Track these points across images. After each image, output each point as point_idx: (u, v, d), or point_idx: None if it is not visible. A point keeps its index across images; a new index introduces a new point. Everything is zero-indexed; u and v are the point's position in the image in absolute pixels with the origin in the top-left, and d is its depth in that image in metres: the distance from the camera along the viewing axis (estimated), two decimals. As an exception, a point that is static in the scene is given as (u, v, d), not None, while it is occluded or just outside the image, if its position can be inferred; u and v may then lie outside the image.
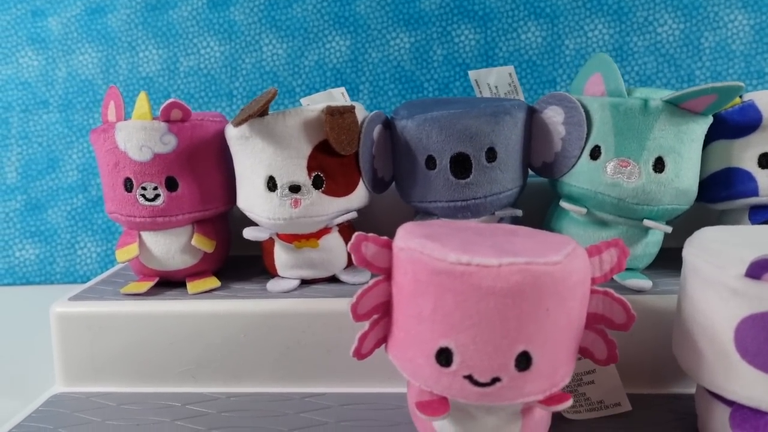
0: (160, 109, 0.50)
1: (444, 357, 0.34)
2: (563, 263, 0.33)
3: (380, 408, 0.46)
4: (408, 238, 0.36)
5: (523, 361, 0.33)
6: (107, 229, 0.90)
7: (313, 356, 0.50)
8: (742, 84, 0.44)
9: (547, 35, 0.84)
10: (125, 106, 0.52)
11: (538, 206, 0.57)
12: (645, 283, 0.48)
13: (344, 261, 0.54)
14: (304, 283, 0.54)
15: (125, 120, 0.51)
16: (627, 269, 0.50)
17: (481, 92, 0.59)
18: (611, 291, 0.37)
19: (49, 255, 0.90)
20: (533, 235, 0.39)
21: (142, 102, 0.51)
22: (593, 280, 0.37)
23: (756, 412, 0.35)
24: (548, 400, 0.35)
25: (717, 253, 0.36)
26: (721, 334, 0.35)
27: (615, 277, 0.49)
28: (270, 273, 0.56)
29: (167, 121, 0.51)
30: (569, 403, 0.35)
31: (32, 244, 0.91)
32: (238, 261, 0.62)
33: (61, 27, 0.87)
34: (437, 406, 0.35)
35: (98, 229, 0.90)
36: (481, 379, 0.34)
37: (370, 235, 0.37)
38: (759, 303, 0.33)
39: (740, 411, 0.35)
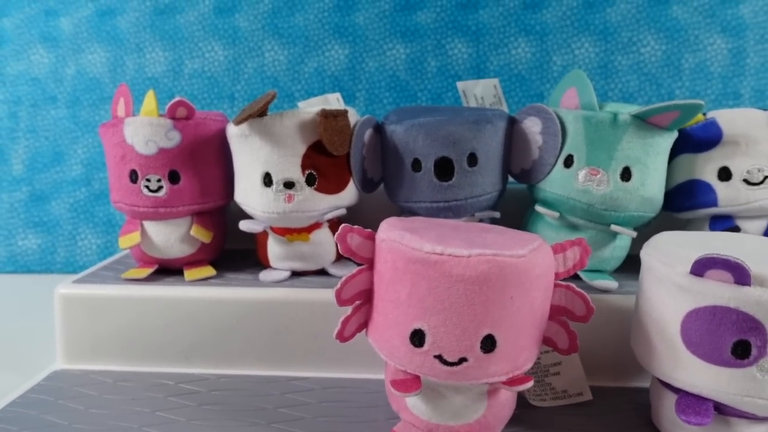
0: (167, 107, 0.54)
1: (417, 338, 0.38)
2: (528, 257, 0.37)
3: (360, 391, 0.50)
4: (389, 230, 0.40)
5: (488, 344, 0.37)
6: (108, 221, 0.93)
7: (299, 342, 0.53)
8: (702, 102, 0.48)
9: (536, 51, 0.88)
10: (134, 103, 0.56)
11: (517, 210, 0.61)
12: (611, 283, 0.52)
13: (333, 255, 0.57)
14: (295, 274, 0.57)
15: (133, 116, 0.55)
16: (595, 271, 0.54)
17: (468, 102, 0.63)
18: (573, 285, 0.41)
19: (50, 245, 0.94)
20: (505, 232, 0.42)
21: (150, 99, 0.55)
22: (557, 275, 0.41)
23: (699, 399, 0.38)
24: (511, 382, 0.38)
25: (668, 253, 0.40)
26: (670, 327, 0.39)
27: (584, 277, 0.53)
28: (263, 264, 0.59)
29: (173, 118, 0.54)
30: (530, 384, 0.38)
31: (35, 234, 0.94)
32: (234, 254, 0.65)
33: (72, 27, 0.91)
34: (410, 383, 0.39)
35: (99, 222, 0.93)
36: (450, 359, 0.37)
37: (356, 227, 0.40)
38: (702, 298, 0.37)
39: (685, 398, 0.39)
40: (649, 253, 0.41)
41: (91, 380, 0.52)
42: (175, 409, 0.48)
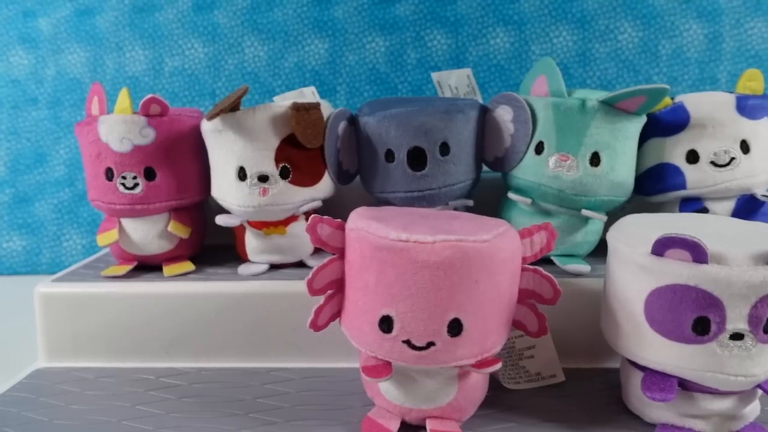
0: (140, 104, 0.54)
1: (386, 324, 0.38)
2: (492, 241, 0.38)
3: (338, 380, 0.50)
4: (357, 219, 0.41)
5: (455, 328, 0.38)
6: (92, 221, 0.94)
7: (278, 334, 0.53)
8: (667, 86, 0.48)
9: (514, 41, 0.89)
10: (109, 102, 0.56)
11: (494, 199, 0.61)
12: (584, 267, 0.52)
13: (311, 247, 0.58)
14: (273, 267, 0.58)
15: (108, 114, 0.55)
16: (569, 255, 0.55)
17: (443, 92, 0.63)
18: (540, 269, 0.41)
19: (35, 246, 0.94)
20: (473, 219, 0.43)
21: (123, 97, 0.55)
22: (524, 259, 0.41)
23: (663, 376, 0.39)
24: (480, 364, 0.39)
25: (630, 235, 0.40)
26: (634, 307, 0.39)
27: (557, 262, 0.54)
28: (242, 258, 0.60)
29: (147, 115, 0.55)
30: (498, 366, 0.39)
31: (19, 236, 0.94)
32: (214, 249, 0.66)
33: (50, 27, 0.91)
34: (381, 369, 0.39)
35: (83, 222, 0.94)
36: (418, 344, 0.38)
37: (325, 217, 0.41)
38: (663, 277, 0.37)
39: (650, 375, 0.40)
40: (613, 235, 0.42)
41: (72, 377, 0.53)
42: (155, 402, 0.48)
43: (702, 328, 0.37)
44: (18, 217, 0.94)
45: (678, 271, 0.36)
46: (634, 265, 0.39)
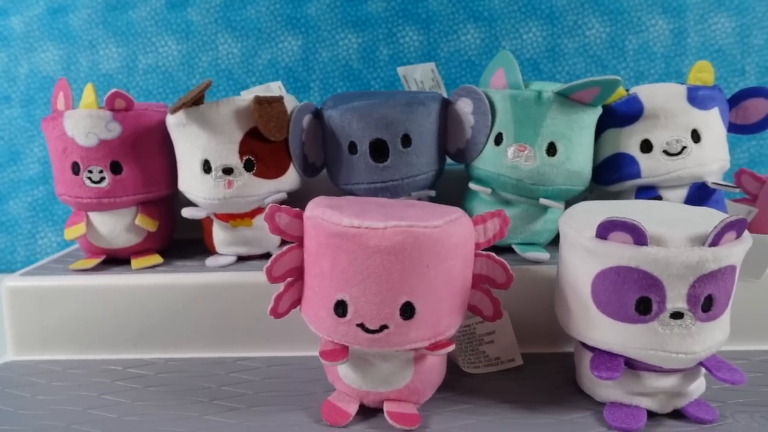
0: (105, 99, 0.55)
1: (341, 308, 0.39)
2: (442, 227, 0.39)
3: (302, 368, 0.51)
4: (314, 208, 0.42)
5: (407, 311, 0.39)
6: (67, 219, 0.93)
7: (244, 324, 0.54)
8: (619, 77, 0.50)
9: (485, 37, 0.90)
10: (73, 97, 0.57)
11: (459, 190, 0.62)
12: (543, 255, 0.54)
13: (278, 239, 0.59)
14: (241, 259, 0.59)
15: (73, 109, 0.56)
16: (529, 244, 0.56)
17: (409, 86, 0.65)
18: (492, 254, 0.43)
19: (10, 244, 0.94)
20: (428, 207, 0.44)
21: (88, 92, 0.56)
22: (478, 245, 0.43)
23: (610, 355, 0.40)
24: (433, 347, 0.40)
25: (578, 220, 0.42)
26: (582, 289, 0.41)
27: (517, 250, 0.55)
28: (210, 251, 0.60)
29: (112, 109, 0.55)
30: (452, 348, 0.40)
31: (-6, 235, 0.94)
32: (184, 243, 0.66)
33: (23, 25, 0.91)
34: (338, 353, 0.40)
35: (58, 220, 0.94)
36: (372, 327, 0.39)
37: (283, 206, 0.42)
38: (607, 260, 0.39)
39: (598, 355, 0.41)
40: (564, 221, 0.44)
41: (40, 369, 0.53)
42: (121, 392, 0.49)
43: (644, 308, 0.38)
44: (-8, 215, 0.93)
45: (620, 253, 0.38)
46: (581, 248, 0.40)
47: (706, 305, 0.38)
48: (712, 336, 0.39)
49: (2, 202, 0.93)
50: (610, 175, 0.56)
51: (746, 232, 0.39)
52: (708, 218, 0.39)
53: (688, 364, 0.39)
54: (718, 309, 0.38)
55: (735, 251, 0.37)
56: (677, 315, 0.38)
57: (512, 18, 0.90)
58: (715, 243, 0.36)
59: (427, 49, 0.91)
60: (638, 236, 0.37)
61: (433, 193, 0.58)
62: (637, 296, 0.38)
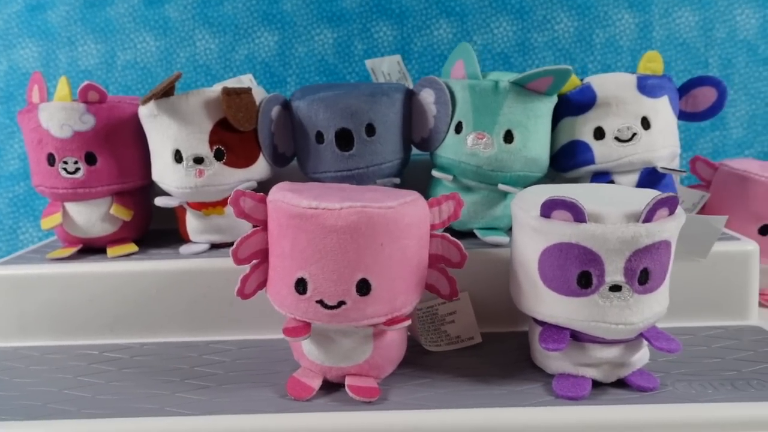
0: (78, 91, 0.56)
1: (301, 286, 0.42)
2: (396, 208, 0.41)
3: (273, 350, 0.53)
4: (276, 192, 0.44)
5: (364, 287, 0.41)
6: (48, 213, 0.95)
7: (217, 309, 0.56)
8: (570, 67, 0.52)
9: (457, 32, 0.92)
10: (48, 90, 0.58)
11: (425, 178, 0.65)
12: (502, 239, 0.56)
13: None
14: (214, 247, 0.61)
15: (48, 101, 0.57)
16: (490, 228, 0.58)
17: (377, 78, 0.67)
18: (447, 235, 0.45)
19: (-9, 239, 0.95)
20: (386, 191, 0.46)
21: (62, 85, 0.57)
22: (433, 226, 0.45)
23: (557, 328, 0.43)
24: (390, 322, 0.43)
25: (526, 201, 0.44)
26: (529, 266, 0.43)
27: (478, 234, 0.58)
28: (184, 240, 0.62)
29: (86, 102, 0.57)
30: (408, 323, 0.43)
31: (-25, 230, 0.95)
32: (160, 233, 0.68)
33: (1, 23, 0.92)
34: (300, 329, 0.43)
35: (39, 215, 0.94)
36: (330, 303, 0.41)
37: (247, 191, 0.44)
38: (551, 237, 0.41)
39: (547, 329, 0.44)
40: (515, 203, 0.46)
41: (18, 355, 0.55)
42: (96, 374, 0.51)
43: (585, 282, 0.40)
44: (-27, 210, 0.94)
45: (562, 230, 0.40)
46: (528, 227, 0.43)
47: (643, 278, 0.40)
48: (650, 308, 0.41)
49: (-17, 197, 0.94)
50: (567, 161, 0.59)
51: (679, 209, 0.42)
52: (644, 197, 0.42)
53: (628, 335, 0.42)
54: (655, 282, 0.41)
55: (668, 227, 0.40)
56: (615, 288, 0.40)
57: (483, 13, 0.92)
58: (648, 219, 0.39)
59: (401, 43, 0.93)
60: (577, 214, 0.40)
61: (397, 180, 0.60)
62: (578, 271, 0.40)
